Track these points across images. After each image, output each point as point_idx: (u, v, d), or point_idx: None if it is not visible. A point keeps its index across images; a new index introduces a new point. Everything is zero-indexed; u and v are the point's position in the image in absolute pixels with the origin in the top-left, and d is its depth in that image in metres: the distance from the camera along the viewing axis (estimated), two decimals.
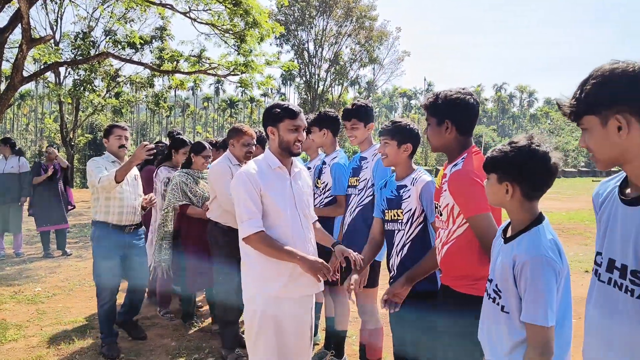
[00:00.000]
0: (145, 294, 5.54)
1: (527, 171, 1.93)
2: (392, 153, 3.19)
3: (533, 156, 1.92)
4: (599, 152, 1.61)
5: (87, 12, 25.25)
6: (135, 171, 4.62)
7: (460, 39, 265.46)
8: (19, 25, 13.28)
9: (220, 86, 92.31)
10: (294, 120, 3.00)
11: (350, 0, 43.78)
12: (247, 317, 3.01)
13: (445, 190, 2.56)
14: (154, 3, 15.56)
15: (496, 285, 2.03)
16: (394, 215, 3.20)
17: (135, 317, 4.92)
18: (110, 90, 28.28)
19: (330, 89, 49.08)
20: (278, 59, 17.63)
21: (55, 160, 8.89)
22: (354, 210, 3.86)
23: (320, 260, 2.88)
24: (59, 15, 26.94)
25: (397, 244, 3.15)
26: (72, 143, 27.66)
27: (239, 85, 17.99)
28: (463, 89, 2.59)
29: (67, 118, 28.36)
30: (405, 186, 3.16)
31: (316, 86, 47.11)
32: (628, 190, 1.63)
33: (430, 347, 2.75)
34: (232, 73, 17.13)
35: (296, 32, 45.36)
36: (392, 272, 3.21)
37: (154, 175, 5.69)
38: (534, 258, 1.86)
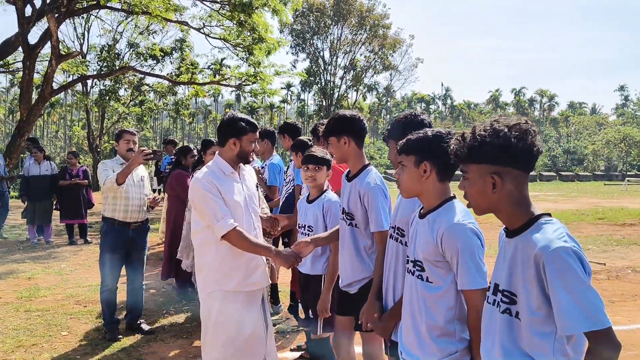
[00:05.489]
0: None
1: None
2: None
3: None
4: (337, 158, 3.04)
5: (112, 27, 26.97)
6: (142, 172, 5.01)
7: (476, 43, 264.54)
8: (49, 41, 14.96)
9: (241, 93, 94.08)
10: (255, 134, 3.16)
11: (363, 9, 44.78)
12: (204, 314, 3.15)
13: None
14: (171, 20, 17.12)
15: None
16: None
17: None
18: (134, 98, 30.02)
19: (345, 95, 50.33)
20: (294, 67, 19.24)
21: (80, 165, 10.58)
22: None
23: (292, 252, 3.12)
24: (86, 29, 28.67)
25: None
26: (98, 149, 29.37)
27: (250, 94, 19.54)
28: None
29: (94, 126, 30.05)
30: None
31: (331, 92, 48.30)
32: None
33: None
34: (244, 83, 18.66)
35: (312, 41, 46.72)
36: None
37: (190, 179, 5.73)
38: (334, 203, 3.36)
